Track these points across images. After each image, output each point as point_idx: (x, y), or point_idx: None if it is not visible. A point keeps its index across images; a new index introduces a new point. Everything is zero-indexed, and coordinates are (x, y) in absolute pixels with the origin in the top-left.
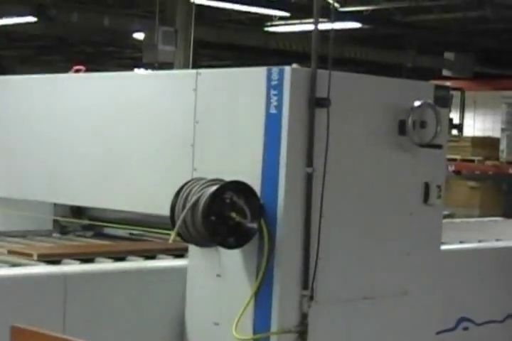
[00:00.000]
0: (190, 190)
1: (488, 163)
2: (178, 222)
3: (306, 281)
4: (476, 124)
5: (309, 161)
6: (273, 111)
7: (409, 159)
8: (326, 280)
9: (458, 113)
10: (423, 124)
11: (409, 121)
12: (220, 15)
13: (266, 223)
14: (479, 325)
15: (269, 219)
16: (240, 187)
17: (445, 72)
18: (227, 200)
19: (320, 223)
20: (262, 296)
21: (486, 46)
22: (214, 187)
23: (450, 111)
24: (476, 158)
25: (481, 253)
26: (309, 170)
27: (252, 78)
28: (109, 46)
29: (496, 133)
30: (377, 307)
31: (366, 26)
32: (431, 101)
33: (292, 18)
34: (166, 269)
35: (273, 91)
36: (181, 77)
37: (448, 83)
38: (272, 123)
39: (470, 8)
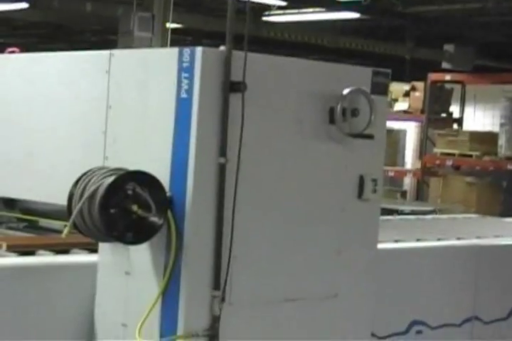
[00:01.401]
0: (90, 180)
1: (486, 158)
2: (74, 214)
3: (218, 281)
4: (476, 119)
5: (222, 151)
6: (184, 95)
7: (341, 150)
8: (242, 281)
9: (458, 107)
10: (354, 112)
11: (338, 108)
12: (218, 5)
13: (174, 217)
14: (434, 328)
15: (178, 213)
16: (144, 178)
17: (445, 65)
18: (129, 192)
19: (233, 218)
20: (170, 296)
21: (487, 39)
22: (113, 177)
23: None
24: (474, 153)
25: (436, 252)
26: (222, 160)
27: (164, 60)
28: (113, 34)
29: (496, 128)
30: (301, 311)
31: (365, 17)
32: (366, 87)
33: (289, 8)
34: (74, 265)
35: (184, 74)
36: (94, 59)
37: (448, 76)
38: (182, 108)
39: (471, 0)
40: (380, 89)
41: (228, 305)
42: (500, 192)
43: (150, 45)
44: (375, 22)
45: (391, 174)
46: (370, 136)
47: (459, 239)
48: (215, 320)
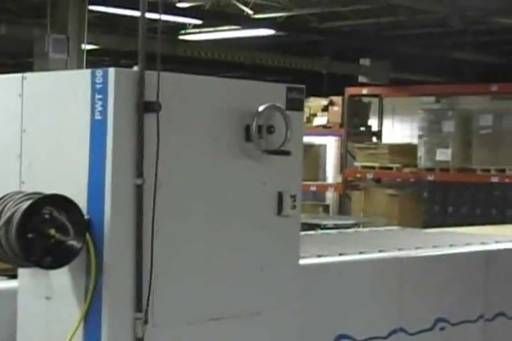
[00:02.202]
0: (6, 205)
1: (406, 170)
2: None
3: (140, 303)
4: (395, 131)
5: (139, 172)
6: (98, 117)
7: (259, 167)
8: (164, 302)
9: (377, 120)
10: (270, 129)
11: (254, 126)
12: (135, 25)
13: (93, 240)
14: None
15: (97, 235)
16: (61, 202)
17: (361, 79)
18: (46, 216)
19: (153, 239)
20: (92, 320)
21: (402, 52)
22: (29, 202)
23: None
24: (394, 165)
25: (358, 266)
26: (139, 181)
27: (78, 81)
28: (30, 57)
29: (415, 140)
30: (226, 330)
31: (281, 33)
32: (281, 104)
33: (205, 26)
34: None
35: (98, 96)
36: (6, 82)
37: (365, 90)
38: (97, 130)
39: (384, 14)
40: (296, 105)
41: (151, 327)
42: (422, 203)
43: (66, 67)
44: (291, 38)
45: (313, 188)
46: (286, 152)
47: (381, 251)
48: None
